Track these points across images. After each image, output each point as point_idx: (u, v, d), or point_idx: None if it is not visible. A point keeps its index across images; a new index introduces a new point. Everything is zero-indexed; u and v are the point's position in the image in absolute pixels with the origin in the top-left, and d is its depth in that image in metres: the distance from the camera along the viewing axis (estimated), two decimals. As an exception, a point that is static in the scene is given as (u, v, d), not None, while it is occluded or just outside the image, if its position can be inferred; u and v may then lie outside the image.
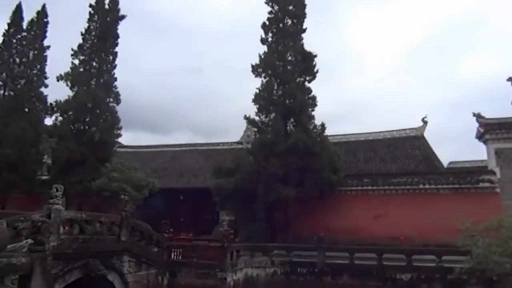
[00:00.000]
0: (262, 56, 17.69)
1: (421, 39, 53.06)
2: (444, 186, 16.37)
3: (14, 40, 20.23)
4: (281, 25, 17.92)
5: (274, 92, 17.42)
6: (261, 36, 18.08)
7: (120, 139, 21.63)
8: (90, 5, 19.70)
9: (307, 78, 17.57)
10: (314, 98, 17.32)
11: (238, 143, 26.56)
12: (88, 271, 7.97)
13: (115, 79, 19.54)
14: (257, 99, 17.33)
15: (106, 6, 19.83)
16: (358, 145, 23.11)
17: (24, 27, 20.56)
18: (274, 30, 17.97)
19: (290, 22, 17.96)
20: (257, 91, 17.47)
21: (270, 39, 17.99)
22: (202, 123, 58.15)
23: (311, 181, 15.64)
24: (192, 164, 25.26)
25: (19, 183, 18.22)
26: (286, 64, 17.56)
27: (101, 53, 19.24)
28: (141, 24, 61.69)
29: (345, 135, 24.28)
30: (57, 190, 7.44)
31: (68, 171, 17.44)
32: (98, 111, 18.72)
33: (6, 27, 20.40)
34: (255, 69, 17.61)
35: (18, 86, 19.65)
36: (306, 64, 17.43)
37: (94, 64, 19.09)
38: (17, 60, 20.04)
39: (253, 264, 12.97)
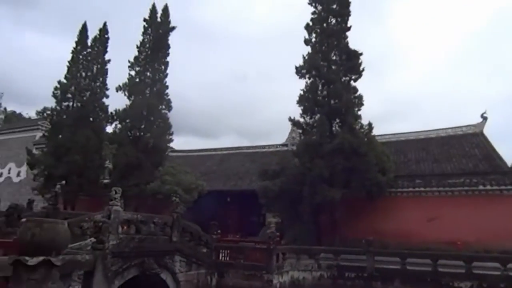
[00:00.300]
0: (306, 57, 17.58)
1: (475, 30, 49.39)
2: (509, 187, 15.07)
3: (81, 57, 22.09)
4: (324, 24, 17.70)
5: (319, 92, 17.23)
6: (304, 37, 18.01)
7: (171, 144, 22.66)
8: (144, 19, 21.06)
9: (353, 77, 17.17)
10: (360, 97, 16.86)
11: (283, 145, 26.60)
12: (144, 269, 8.51)
13: (167, 87, 20.65)
14: (301, 100, 17.27)
15: (158, 19, 21.03)
16: (408, 145, 22.00)
17: (89, 44, 22.40)
18: (318, 30, 17.79)
19: (334, 21, 17.68)
20: (301, 92, 17.40)
21: (313, 39, 17.83)
22: (248, 126, 59.17)
23: (358, 182, 15.23)
24: (239, 166, 25.74)
25: (86, 186, 19.81)
26: (330, 64, 17.30)
27: (154, 63, 20.42)
28: (189, 33, 64.30)
29: (394, 134, 23.21)
30: (116, 193, 8.05)
31: (126, 175, 18.63)
32: (152, 118, 19.87)
33: (74, 45, 22.37)
34: (299, 71, 17.57)
35: (84, 98, 21.45)
36: (351, 63, 17.06)
37: (148, 74, 20.30)
38: (83, 74, 21.85)
39: (299, 267, 12.92)
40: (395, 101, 52.25)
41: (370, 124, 16.51)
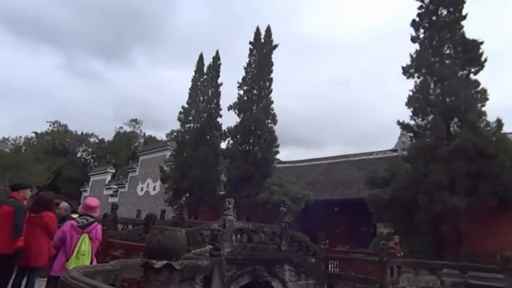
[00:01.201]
0: (414, 55, 16.12)
1: None
2: None
3: (198, 83, 24.70)
4: (434, 18, 16.02)
5: (431, 91, 15.58)
6: (411, 34, 16.58)
7: (278, 156, 23.30)
8: (250, 42, 22.53)
9: (472, 70, 15.02)
10: (483, 91, 14.60)
11: (392, 150, 24.65)
12: (256, 277, 8.87)
13: (272, 102, 21.56)
14: (411, 101, 15.81)
15: (262, 40, 22.25)
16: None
17: (205, 71, 24.91)
18: (426, 25, 16.20)
19: (445, 12, 15.89)
20: (410, 93, 15.97)
21: (421, 35, 16.33)
22: (353, 133, 56.92)
23: (487, 188, 13.01)
24: (345, 175, 24.81)
25: (205, 198, 21.81)
26: (443, 59, 15.49)
27: (260, 81, 21.60)
28: (290, 46, 65.83)
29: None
30: (229, 203, 8.66)
31: (238, 187, 19.87)
32: (259, 132, 20.93)
33: (193, 74, 25.17)
34: (406, 70, 16.20)
35: (202, 119, 23.74)
36: (470, 55, 14.96)
37: (254, 92, 21.58)
38: (201, 98, 24.34)
39: (418, 283, 11.57)
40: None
41: (499, 121, 14.15)
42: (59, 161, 44.15)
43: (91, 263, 4.36)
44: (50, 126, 50.87)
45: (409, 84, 16.27)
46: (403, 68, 16.28)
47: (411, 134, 16.47)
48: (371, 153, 26.80)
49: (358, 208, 18.30)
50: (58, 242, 4.62)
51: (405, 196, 14.64)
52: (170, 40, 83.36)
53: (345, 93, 59.21)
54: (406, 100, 15.99)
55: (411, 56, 16.23)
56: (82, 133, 51.10)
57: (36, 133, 50.18)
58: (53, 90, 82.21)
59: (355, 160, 26.76)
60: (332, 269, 12.55)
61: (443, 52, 15.65)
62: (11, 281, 5.27)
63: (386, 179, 16.30)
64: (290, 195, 19.08)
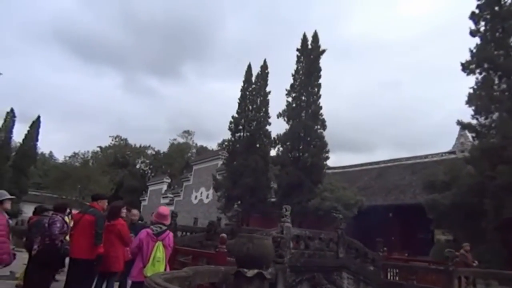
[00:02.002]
0: (474, 50, 14.92)
1: None
2: None
3: (247, 93, 25.01)
4: (496, 8, 14.76)
5: (495, 87, 14.30)
6: (470, 28, 15.36)
7: (327, 162, 22.82)
8: (297, 49, 22.44)
9: (543, 61, 13.61)
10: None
11: (450, 152, 23.01)
12: (315, 284, 8.66)
13: (321, 108, 21.19)
14: (472, 99, 14.55)
15: (309, 46, 22.05)
16: None
17: (253, 80, 25.19)
18: (488, 17, 14.91)
19: (509, 0, 14.58)
20: (471, 90, 14.78)
21: (482, 28, 15.05)
22: (404, 136, 54.04)
23: None
24: (399, 179, 23.61)
25: (257, 205, 21.92)
26: (509, 52, 14.11)
27: (308, 87, 21.38)
28: (338, 50, 64.62)
29: None
30: (286, 210, 8.57)
31: (289, 194, 19.71)
32: (308, 138, 20.67)
33: (242, 84, 25.54)
34: (466, 67, 14.98)
35: (252, 127, 23.99)
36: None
37: (303, 98, 21.39)
38: (250, 107, 24.62)
39: (489, 294, 10.60)
40: None
41: None
42: (121, 172, 47.18)
43: (165, 269, 4.52)
44: (112, 140, 54.74)
45: (469, 81, 15.02)
46: (462, 64, 15.12)
47: (473, 135, 15.20)
48: (425, 156, 25.28)
49: (414, 213, 17.31)
50: (135, 249, 4.86)
51: (468, 200, 13.52)
52: (218, 53, 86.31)
53: (395, 94, 56.81)
54: (466, 98, 14.77)
55: (471, 51, 15.01)
56: (140, 146, 54.25)
57: (100, 147, 54.25)
58: (114, 107, 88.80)
59: (409, 164, 25.40)
60: (391, 277, 11.88)
61: (508, 44, 14.29)
62: (94, 285, 5.68)
63: (445, 183, 15.21)
64: (342, 201, 18.54)
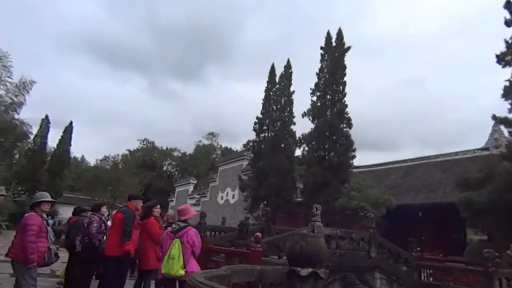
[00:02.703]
0: (510, 41, 14.20)
1: None
2: None
3: (271, 93, 24.90)
4: (534, -5, 13.99)
5: (535, 78, 13.51)
6: (505, 18, 14.51)
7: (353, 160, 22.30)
8: (321, 47, 22.03)
9: None
10: None
11: (483, 149, 21.93)
12: (346, 284, 8.46)
13: (346, 106, 20.72)
14: (508, 92, 13.83)
15: (333, 44, 21.61)
16: None
17: (277, 81, 25.05)
18: (525, 5, 14.20)
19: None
20: (507, 83, 14.03)
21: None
22: (430, 134, 52.14)
23: None
24: (428, 178, 22.73)
25: (282, 205, 21.77)
26: (549, 40, 13.36)
27: (333, 85, 20.95)
28: (360, 48, 63.46)
29: None
30: (316, 210, 8.44)
31: (316, 193, 19.43)
32: (334, 137, 20.28)
33: (266, 84, 25.44)
34: (501, 58, 14.17)
35: (276, 128, 23.87)
36: None
37: (328, 97, 21.00)
38: (274, 107, 24.50)
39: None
40: None
41: None
42: (149, 174, 48.27)
43: (184, 267, 4.39)
44: (140, 143, 56.18)
45: (505, 73, 14.19)
46: (497, 56, 14.33)
47: (510, 129, 14.40)
48: (456, 153, 24.23)
49: (445, 213, 16.66)
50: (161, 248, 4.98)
51: (505, 198, 12.80)
52: (240, 55, 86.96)
53: (419, 91, 54.91)
54: (501, 91, 14.03)
55: (506, 42, 14.21)
56: (166, 148, 55.37)
57: (129, 150, 55.79)
58: (141, 111, 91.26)
59: (438, 162, 24.41)
60: (425, 278, 11.40)
61: (548, 33, 13.44)
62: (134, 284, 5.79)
63: (480, 180, 14.48)
64: (370, 200, 18.05)
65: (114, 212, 6.63)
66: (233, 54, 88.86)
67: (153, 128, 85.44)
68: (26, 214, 4.73)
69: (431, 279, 11.30)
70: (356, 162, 27.81)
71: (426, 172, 23.59)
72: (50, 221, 4.91)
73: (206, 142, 55.64)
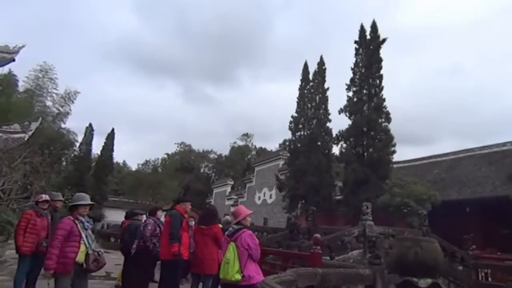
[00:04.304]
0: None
1: None
2: None
3: (305, 91, 24.34)
4: None
5: None
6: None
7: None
8: (355, 41, 21.12)
9: None
10: None
11: (533, 138, 20.07)
12: (405, 286, 7.88)
13: (384, 100, 19.70)
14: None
15: (368, 37, 20.65)
16: None
17: (310, 78, 24.46)
18: None
19: None
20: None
21: None
22: (470, 125, 48.80)
23: None
24: (473, 171, 21.18)
25: (321, 203, 21.19)
26: None
27: (369, 79, 20.02)
28: (392, 40, 60.98)
29: None
30: (367, 208, 7.99)
31: (356, 191, 18.70)
32: (372, 133, 19.37)
33: (299, 83, 24.94)
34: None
35: (312, 125, 23.33)
36: None
37: (364, 91, 20.11)
38: (309, 105, 23.94)
39: None
40: None
41: None
42: (187, 177, 49.23)
43: (241, 271, 4.17)
44: (177, 147, 57.51)
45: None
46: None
47: None
48: (503, 144, 22.41)
49: (495, 207, 15.44)
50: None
51: None
52: (270, 54, 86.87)
53: (456, 80, 51.59)
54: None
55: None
56: (203, 151, 56.27)
57: (167, 154, 57.26)
58: (176, 116, 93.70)
59: (484, 154, 22.70)
60: (482, 278, 10.49)
61: None
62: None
63: (534, 172, 13.22)
64: (414, 196, 17.05)
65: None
66: (264, 54, 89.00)
67: (189, 132, 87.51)
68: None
69: (489, 279, 10.41)
70: (394, 157, 26.80)
71: (472, 165, 22.03)
72: (89, 225, 4.62)
73: (240, 143, 55.97)
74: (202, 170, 54.92)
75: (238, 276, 4.09)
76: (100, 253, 4.46)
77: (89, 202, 4.60)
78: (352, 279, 4.84)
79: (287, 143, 26.69)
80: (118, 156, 70.94)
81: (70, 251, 4.19)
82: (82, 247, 4.28)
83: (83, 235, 4.32)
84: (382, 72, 20.15)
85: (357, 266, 5.67)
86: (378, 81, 19.97)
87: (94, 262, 4.31)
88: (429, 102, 54.35)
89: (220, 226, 6.23)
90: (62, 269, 4.13)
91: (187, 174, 49.61)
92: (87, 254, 4.29)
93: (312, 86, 24.05)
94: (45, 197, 6.06)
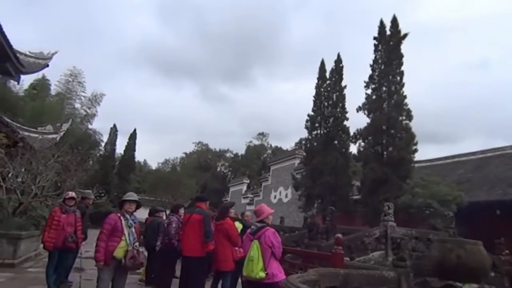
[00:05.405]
0: None
1: None
2: None
3: (322, 89, 23.89)
4: None
5: None
6: None
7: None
8: (374, 37, 20.37)
9: None
10: None
11: None
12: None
13: (405, 97, 18.86)
14: None
15: (388, 33, 19.91)
16: None
17: (327, 76, 24.00)
18: None
19: None
20: None
21: None
22: (498, 123, 46.57)
23: None
24: (504, 171, 20.02)
25: (338, 203, 20.61)
26: None
27: (389, 76, 19.24)
28: (414, 36, 59.23)
29: None
30: (389, 208, 7.55)
31: (375, 191, 18.02)
32: (392, 131, 18.58)
33: (316, 81, 24.55)
34: None
35: (328, 124, 22.84)
36: None
37: (384, 88, 19.35)
38: (325, 104, 23.46)
39: None
40: None
41: None
42: (204, 175, 49.50)
43: (265, 269, 4.15)
44: (195, 146, 57.97)
45: None
46: None
47: None
48: (537, 143, 21.18)
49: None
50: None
51: None
52: (286, 53, 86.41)
53: (484, 75, 49.29)
54: None
55: None
56: (219, 150, 56.50)
57: (186, 153, 57.83)
58: (194, 115, 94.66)
59: (514, 153, 21.51)
60: (515, 286, 9.77)
61: None
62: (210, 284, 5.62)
63: None
64: (437, 197, 16.25)
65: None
66: (279, 54, 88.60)
67: (206, 131, 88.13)
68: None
69: (524, 287, 9.69)
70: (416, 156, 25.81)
71: (502, 165, 20.86)
72: (132, 223, 4.60)
73: (256, 142, 55.88)
74: (218, 169, 55.16)
75: (262, 274, 4.10)
76: (139, 251, 4.49)
77: (132, 198, 4.66)
78: (375, 281, 4.49)
79: (303, 142, 26.25)
80: (140, 155, 72.38)
81: (111, 245, 4.31)
82: (122, 243, 4.35)
83: (126, 232, 4.40)
84: (403, 68, 19.30)
85: (379, 267, 5.29)
86: (398, 78, 19.12)
87: (131, 259, 4.35)
88: (454, 99, 52.34)
89: (237, 223, 6.16)
90: (102, 260, 4.29)
91: (204, 173, 49.91)
92: (126, 251, 4.34)
93: (329, 84, 23.47)
94: (71, 194, 6.20)
